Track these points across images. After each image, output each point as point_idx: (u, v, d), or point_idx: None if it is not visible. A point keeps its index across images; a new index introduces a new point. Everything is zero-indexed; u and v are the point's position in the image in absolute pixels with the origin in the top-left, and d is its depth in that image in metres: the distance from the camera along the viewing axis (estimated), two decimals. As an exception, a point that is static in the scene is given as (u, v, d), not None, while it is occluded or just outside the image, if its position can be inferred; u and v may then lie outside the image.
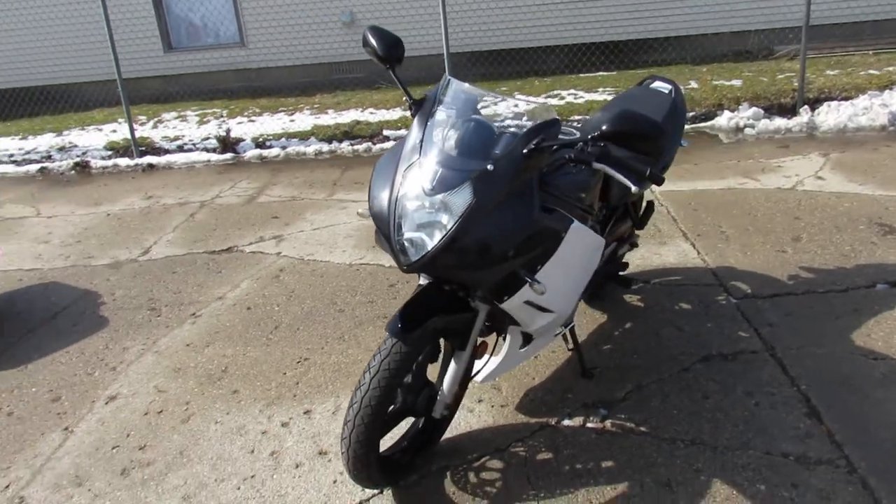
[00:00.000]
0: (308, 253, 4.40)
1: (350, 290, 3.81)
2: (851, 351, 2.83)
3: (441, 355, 2.33)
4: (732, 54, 9.33)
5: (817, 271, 3.54)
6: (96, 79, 9.94)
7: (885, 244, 3.75)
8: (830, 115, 6.35)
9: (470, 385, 2.63)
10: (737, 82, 7.76)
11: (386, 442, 2.33)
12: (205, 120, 8.67)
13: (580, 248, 2.20)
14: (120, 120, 8.68)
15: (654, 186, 4.91)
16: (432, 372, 2.30)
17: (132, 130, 7.37)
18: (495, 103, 2.15)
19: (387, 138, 7.16)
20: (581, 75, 8.97)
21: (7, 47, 10.35)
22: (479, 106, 2.13)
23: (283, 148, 7.16)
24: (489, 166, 1.89)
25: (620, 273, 3.23)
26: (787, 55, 8.72)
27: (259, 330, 3.47)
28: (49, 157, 7.67)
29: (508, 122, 2.09)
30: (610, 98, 6.43)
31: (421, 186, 1.93)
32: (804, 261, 3.66)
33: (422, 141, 2.01)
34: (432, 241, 1.89)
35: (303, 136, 7.44)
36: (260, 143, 7.36)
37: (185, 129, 8.30)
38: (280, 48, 9.93)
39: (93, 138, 8.26)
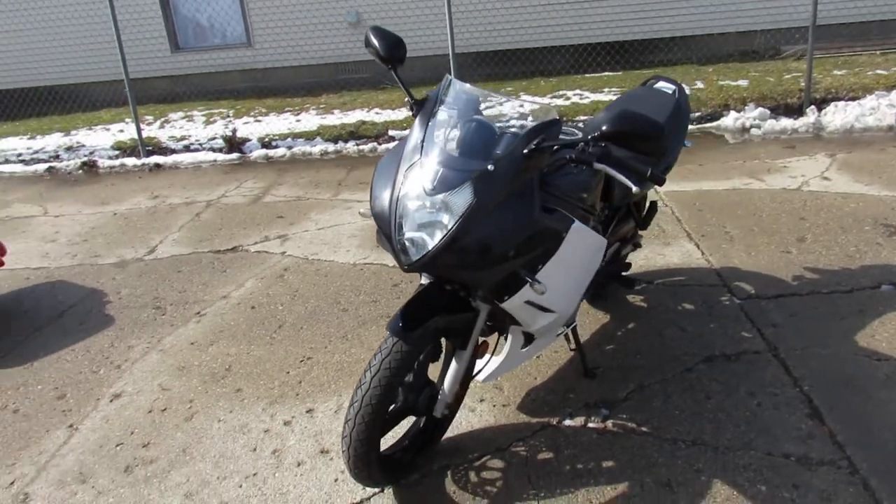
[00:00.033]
0: (312, 252, 4.41)
1: (354, 289, 3.82)
2: (855, 352, 2.82)
3: (442, 355, 2.34)
4: (738, 54, 9.30)
5: (822, 272, 3.52)
6: (104, 79, 10.00)
7: (890, 245, 3.73)
8: (837, 116, 6.32)
9: (472, 384, 2.64)
10: (743, 82, 7.73)
11: (387, 441, 2.34)
12: (211, 120, 8.70)
13: (581, 248, 2.20)
14: (127, 120, 8.73)
15: (658, 187, 4.91)
16: (434, 371, 2.30)
17: (139, 130, 7.41)
18: (497, 104, 2.15)
19: (392, 138, 7.18)
20: (587, 75, 8.96)
21: (16, 47, 10.43)
22: (481, 106, 2.14)
23: (289, 148, 7.18)
24: (490, 166, 1.90)
25: (623, 273, 3.22)
26: (794, 55, 8.69)
27: (263, 329, 3.48)
28: (57, 157, 7.72)
29: (510, 122, 2.10)
30: (615, 98, 6.43)
31: (422, 186, 1.93)
32: (809, 261, 3.64)
33: (423, 141, 2.02)
34: (433, 240, 1.90)
35: (308, 137, 7.46)
36: (266, 143, 7.39)
37: (192, 129, 8.33)
38: (286, 49, 9.96)
39: (100, 138, 8.30)
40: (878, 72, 7.57)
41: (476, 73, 9.70)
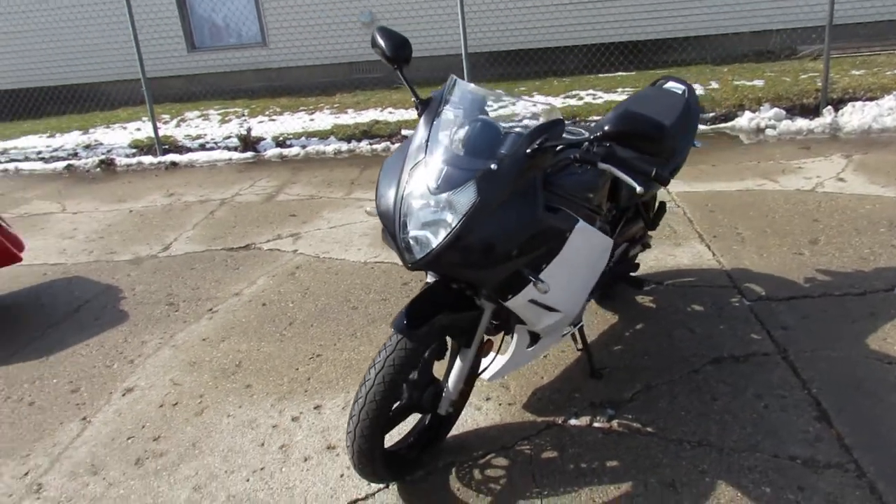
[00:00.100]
0: (324, 251, 4.45)
1: (364, 287, 3.85)
2: (866, 355, 2.80)
3: (448, 353, 2.35)
4: (753, 54, 9.23)
5: (834, 274, 3.50)
6: (122, 78, 10.11)
7: (904, 247, 3.70)
8: (854, 116, 6.25)
9: (478, 383, 2.66)
10: (758, 82, 7.67)
11: (393, 437, 2.36)
12: (226, 119, 8.78)
13: (586, 247, 2.21)
14: (144, 119, 8.83)
15: (670, 188, 4.89)
16: (439, 369, 2.32)
17: (156, 129, 7.50)
18: (502, 103, 2.17)
19: (405, 138, 7.18)
20: (600, 75, 8.93)
21: (36, 47, 10.58)
22: (486, 106, 2.15)
23: (303, 147, 7.23)
24: (493, 165, 1.91)
25: (632, 274, 3.22)
26: (811, 55, 8.61)
27: (273, 326, 3.52)
28: (75, 155, 7.83)
29: (515, 122, 2.11)
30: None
31: (426, 185, 1.95)
32: (821, 263, 3.62)
33: (427, 140, 2.03)
34: (437, 239, 1.91)
35: (322, 136, 7.51)
36: (280, 142, 7.44)
37: (208, 128, 8.41)
38: (301, 48, 10.02)
39: (118, 136, 8.41)
40: (897, 72, 7.47)
41: (489, 72, 9.70)
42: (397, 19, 9.41)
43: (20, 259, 3.92)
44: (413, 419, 2.41)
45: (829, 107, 6.45)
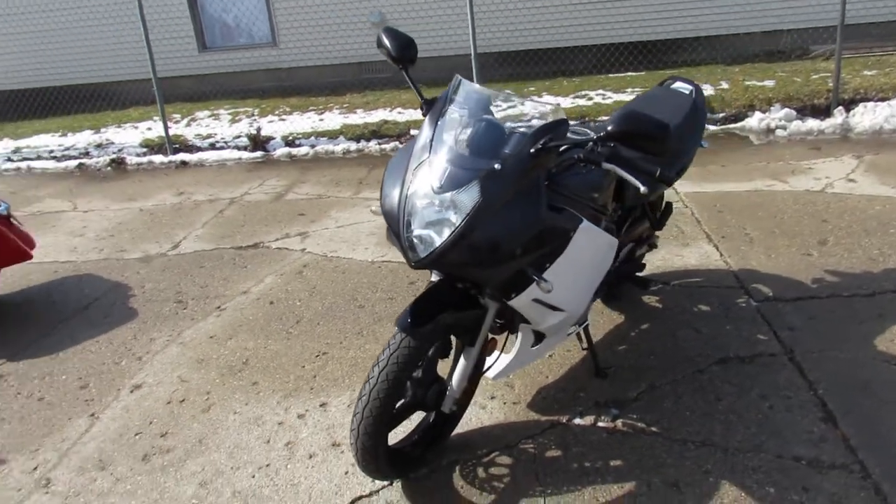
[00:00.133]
0: (331, 250, 4.47)
1: (371, 286, 3.87)
2: (873, 356, 2.79)
3: (452, 351, 2.36)
4: (764, 54, 9.17)
5: (843, 275, 3.48)
6: (133, 78, 10.18)
7: (914, 248, 3.67)
8: (866, 117, 6.21)
9: (483, 382, 2.66)
10: (769, 83, 7.63)
11: (397, 435, 2.38)
12: (237, 119, 8.83)
13: (591, 247, 2.21)
14: (155, 118, 8.89)
15: (679, 188, 4.88)
16: (444, 368, 2.33)
17: (166, 128, 7.55)
18: (507, 103, 2.17)
19: (413, 138, 7.21)
20: (610, 75, 8.91)
21: (49, 47, 10.68)
22: (492, 107, 2.16)
23: (312, 146, 7.26)
24: (497, 165, 1.92)
25: (638, 274, 3.22)
26: (823, 55, 8.55)
27: (280, 324, 3.54)
28: (87, 154, 7.90)
29: (520, 122, 2.11)
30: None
31: (430, 184, 1.96)
32: (830, 264, 3.60)
33: (432, 140, 2.04)
34: (440, 238, 1.92)
35: (332, 135, 7.53)
36: (290, 142, 7.47)
37: (218, 128, 8.46)
38: (311, 48, 10.05)
39: (129, 136, 8.47)
40: (910, 72, 7.41)
41: (498, 73, 9.70)
42: (406, 19, 9.43)
43: (31, 257, 3.96)
44: (418, 417, 2.42)
45: (841, 107, 6.41)
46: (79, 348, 3.50)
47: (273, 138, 7.53)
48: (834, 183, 4.77)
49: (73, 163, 7.56)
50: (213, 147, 7.67)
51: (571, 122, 2.23)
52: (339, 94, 9.64)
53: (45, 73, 10.76)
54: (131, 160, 7.47)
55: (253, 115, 8.93)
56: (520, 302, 2.09)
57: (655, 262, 3.75)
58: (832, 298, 3.26)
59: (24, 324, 3.85)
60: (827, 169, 5.11)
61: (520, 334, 2.41)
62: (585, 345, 2.76)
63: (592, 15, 9.34)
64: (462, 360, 2.26)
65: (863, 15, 8.50)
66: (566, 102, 7.74)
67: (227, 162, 7.21)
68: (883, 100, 6.47)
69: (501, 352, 2.45)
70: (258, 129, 7.49)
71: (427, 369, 2.22)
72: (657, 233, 3.28)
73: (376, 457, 2.12)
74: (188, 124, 8.79)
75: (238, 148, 7.48)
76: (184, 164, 7.27)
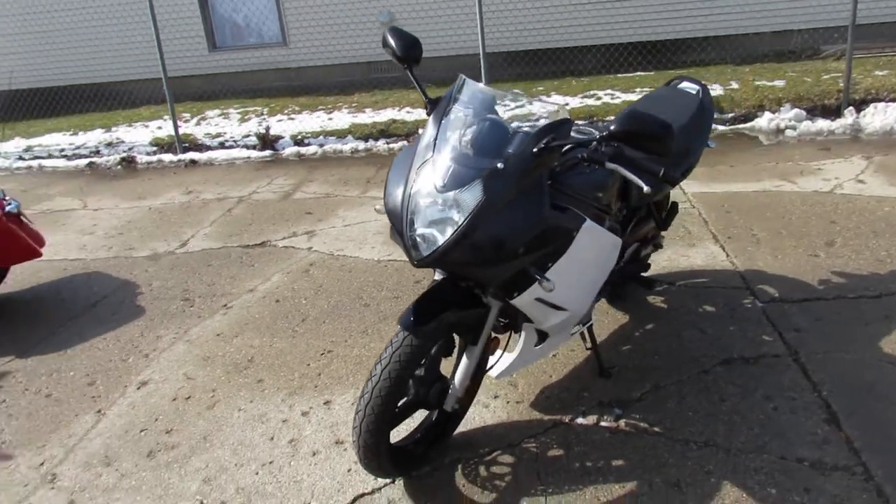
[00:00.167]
0: (338, 248, 4.48)
1: (376, 285, 3.88)
2: (879, 358, 2.77)
3: (456, 350, 2.36)
4: (774, 54, 9.11)
5: (850, 276, 3.46)
6: (144, 77, 10.25)
7: (923, 250, 3.65)
8: (877, 117, 6.16)
9: (487, 381, 2.67)
10: (779, 83, 7.58)
11: (400, 433, 2.39)
12: (246, 118, 8.87)
13: (594, 247, 2.21)
14: (165, 117, 8.94)
15: (686, 188, 4.86)
16: (447, 366, 2.34)
17: (176, 127, 7.60)
18: (511, 103, 2.18)
19: (422, 137, 7.22)
20: (619, 75, 8.89)
21: (61, 47, 10.76)
22: (496, 106, 2.16)
23: (321, 146, 7.29)
24: (499, 164, 1.92)
25: (643, 274, 3.21)
26: (834, 55, 8.49)
27: (286, 322, 3.56)
28: (97, 153, 7.96)
29: (524, 121, 2.12)
30: (646, 98, 6.36)
31: (433, 184, 1.97)
32: (837, 266, 3.58)
33: (436, 139, 2.05)
34: (443, 236, 1.93)
35: (340, 134, 7.56)
36: (298, 141, 7.50)
37: (227, 127, 8.50)
38: (320, 48, 10.08)
39: (139, 134, 8.53)
40: (922, 72, 7.35)
41: (507, 72, 9.69)
42: (415, 19, 9.44)
43: (40, 254, 4.00)
44: (421, 415, 2.43)
45: (851, 108, 6.36)
46: (87, 345, 3.53)
47: (282, 137, 7.56)
48: (843, 184, 4.74)
49: (84, 161, 7.63)
50: (222, 146, 7.71)
51: (580, 122, 2.24)
52: (348, 94, 9.66)
53: (57, 73, 10.85)
54: (141, 159, 7.53)
55: (262, 114, 8.97)
56: (522, 301, 2.10)
57: (661, 262, 3.74)
58: (838, 300, 3.24)
59: (34, 321, 3.88)
60: (836, 170, 5.08)
61: (523, 333, 2.41)
62: (589, 345, 2.76)
63: (601, 14, 9.32)
64: (464, 359, 2.27)
65: (875, 15, 8.43)
66: (575, 102, 7.72)
67: (235, 161, 7.25)
68: (894, 100, 6.41)
69: (504, 351, 2.46)
70: (267, 129, 7.53)
71: (430, 367, 2.23)
72: (663, 233, 3.27)
73: (378, 454, 2.13)
74: (198, 123, 8.84)
75: (247, 147, 7.52)
76: (193, 162, 7.32)
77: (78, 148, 8.22)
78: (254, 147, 7.45)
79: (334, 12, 9.90)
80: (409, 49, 2.26)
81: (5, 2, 10.65)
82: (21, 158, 8.00)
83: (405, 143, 7.14)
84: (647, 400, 2.65)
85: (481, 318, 2.22)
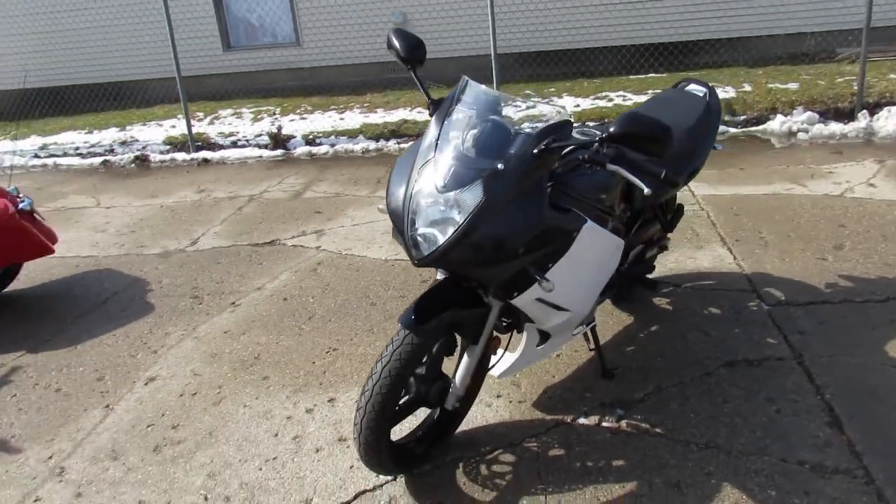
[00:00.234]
0: (346, 248, 4.52)
1: (383, 284, 3.90)
2: (883, 362, 2.76)
3: (458, 349, 2.38)
4: (788, 57, 9.05)
5: (857, 280, 3.44)
6: (159, 76, 10.35)
7: (932, 254, 3.62)
8: (890, 121, 6.10)
9: (490, 380, 2.68)
10: (793, 85, 7.53)
11: (403, 431, 2.41)
12: (259, 117, 8.94)
13: (595, 248, 2.22)
14: (179, 116, 9.02)
15: (696, 190, 4.85)
16: (450, 365, 2.35)
17: (189, 126, 7.67)
18: (513, 105, 2.19)
19: (432, 137, 7.24)
20: (631, 77, 8.87)
21: (77, 45, 10.89)
22: (499, 107, 2.18)
23: (332, 145, 7.33)
24: (500, 165, 1.94)
25: (648, 276, 3.21)
26: (849, 58, 8.42)
27: (293, 320, 3.59)
28: (112, 151, 8.05)
29: (526, 123, 2.13)
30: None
31: (434, 183, 1.99)
32: (845, 269, 3.56)
33: (438, 139, 2.07)
34: (444, 236, 1.95)
35: (351, 134, 7.60)
36: (310, 141, 7.55)
37: (240, 126, 8.57)
38: (333, 48, 10.13)
39: (153, 133, 8.62)
40: (938, 75, 7.27)
41: (518, 73, 9.69)
42: (428, 20, 9.47)
43: (52, 251, 4.06)
44: (423, 413, 2.45)
45: (865, 111, 6.31)
46: (96, 341, 3.58)
47: (294, 137, 7.61)
48: (854, 187, 4.71)
49: (98, 160, 7.72)
50: (234, 145, 7.77)
51: (590, 123, 2.24)
52: (360, 94, 9.71)
53: (72, 71, 10.98)
54: (154, 157, 7.61)
55: (275, 113, 9.04)
56: (522, 301, 2.11)
57: (668, 263, 3.74)
58: (845, 304, 3.23)
59: (46, 317, 3.94)
60: (847, 173, 5.04)
61: (525, 333, 2.43)
62: (593, 345, 2.76)
63: (614, 16, 9.30)
64: (465, 358, 2.29)
65: (890, 18, 8.36)
66: (586, 103, 7.72)
67: (247, 160, 7.31)
68: (908, 104, 6.35)
69: (506, 350, 2.47)
70: (279, 128, 7.58)
71: (431, 366, 2.25)
72: (668, 235, 3.27)
73: (378, 451, 2.15)
74: (211, 122, 8.92)
75: (259, 146, 7.58)
76: (205, 161, 7.38)
77: (93, 146, 8.32)
78: (266, 146, 7.51)
79: (347, 13, 9.95)
80: (413, 50, 2.28)
81: (23, 1, 10.79)
82: (37, 156, 8.12)
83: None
84: (649, 401, 2.65)
85: (482, 318, 2.23)
